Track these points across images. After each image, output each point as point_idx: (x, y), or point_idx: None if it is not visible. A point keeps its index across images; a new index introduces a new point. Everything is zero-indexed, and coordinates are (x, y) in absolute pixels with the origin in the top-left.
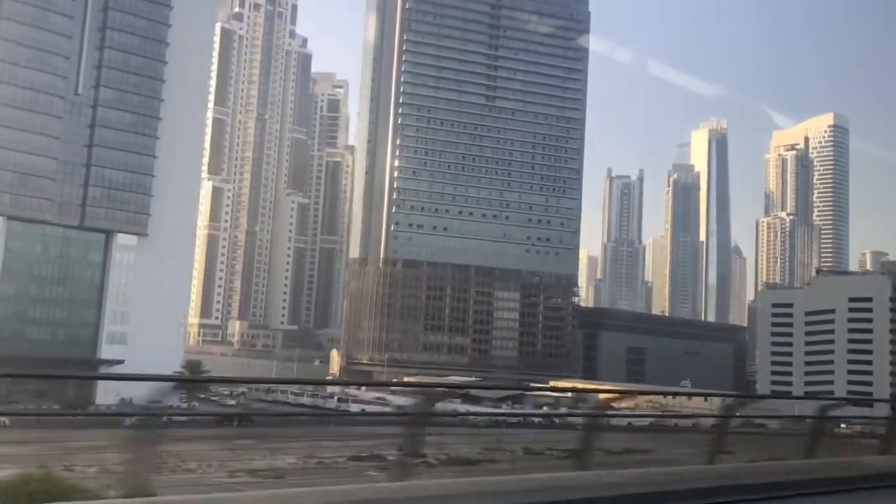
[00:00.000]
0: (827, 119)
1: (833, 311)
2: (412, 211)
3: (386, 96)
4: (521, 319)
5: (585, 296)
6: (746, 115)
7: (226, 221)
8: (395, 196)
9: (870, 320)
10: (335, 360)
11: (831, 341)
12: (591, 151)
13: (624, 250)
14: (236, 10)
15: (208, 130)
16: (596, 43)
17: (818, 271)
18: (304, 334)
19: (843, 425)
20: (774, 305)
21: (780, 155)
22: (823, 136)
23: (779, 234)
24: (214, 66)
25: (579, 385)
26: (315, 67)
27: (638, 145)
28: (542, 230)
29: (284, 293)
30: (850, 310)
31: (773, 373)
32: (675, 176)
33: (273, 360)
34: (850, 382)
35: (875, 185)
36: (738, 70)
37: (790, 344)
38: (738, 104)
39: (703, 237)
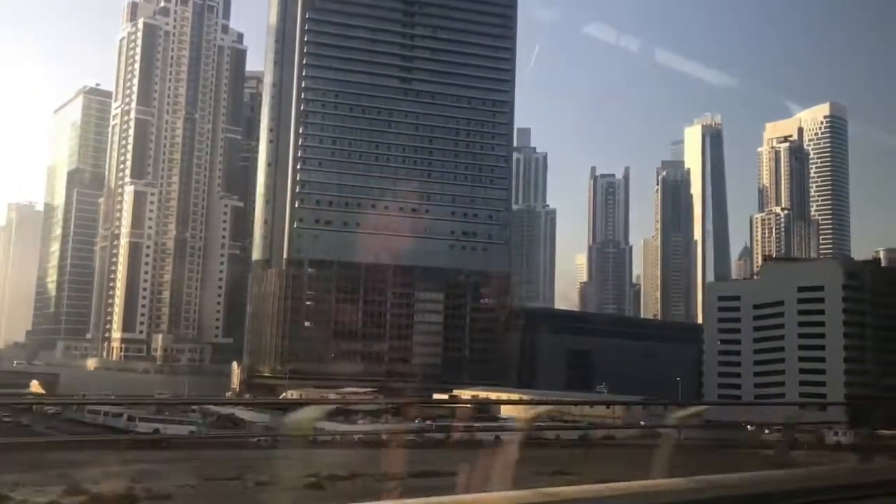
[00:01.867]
0: (823, 109)
1: (782, 302)
2: (318, 206)
3: (288, 81)
4: (446, 323)
5: (570, 299)
6: (743, 109)
7: (150, 228)
8: (298, 190)
9: (821, 312)
10: (235, 373)
11: (781, 337)
12: (579, 150)
13: (610, 252)
14: (162, 4)
15: (130, 132)
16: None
17: (766, 259)
18: (241, 347)
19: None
20: (721, 299)
21: (772, 147)
22: (820, 127)
23: (773, 230)
24: (136, 65)
25: (488, 395)
26: (253, 64)
27: (632, 144)
28: (468, 224)
29: (219, 304)
30: (800, 301)
31: (721, 374)
32: (665, 173)
33: (200, 375)
34: (803, 383)
35: (877, 176)
36: (735, 62)
37: (738, 342)
38: (734, 97)
39: (697, 236)
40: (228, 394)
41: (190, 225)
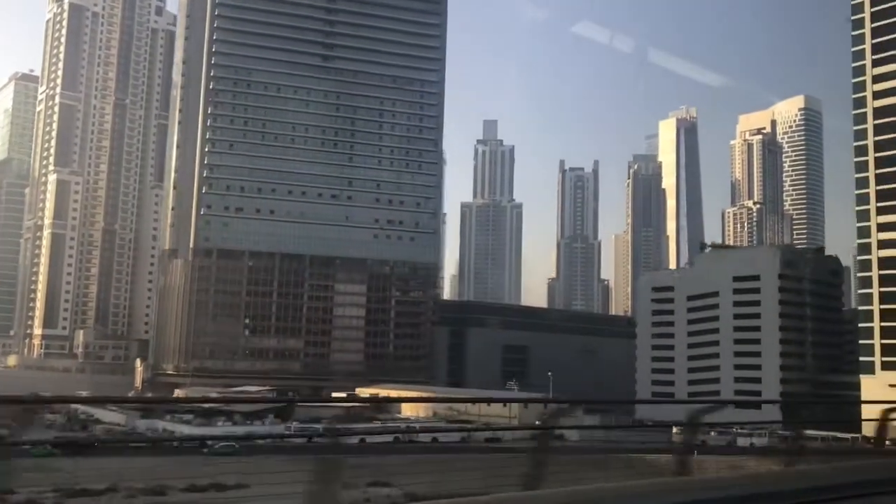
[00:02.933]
0: (797, 102)
1: (717, 293)
2: (229, 192)
3: (197, 58)
4: (368, 317)
5: (537, 295)
6: (720, 102)
7: (74, 219)
8: (206, 174)
9: (757, 303)
10: (138, 371)
11: (715, 330)
12: (553, 145)
13: (578, 247)
14: None
15: (55, 118)
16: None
17: (702, 246)
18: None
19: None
20: (654, 290)
21: (745, 140)
22: (794, 120)
23: (745, 224)
24: (62, 47)
25: (389, 393)
26: None
27: (608, 139)
28: (393, 212)
29: (149, 298)
30: (736, 291)
31: (655, 370)
32: (636, 167)
33: (124, 374)
34: (738, 380)
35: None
36: (713, 54)
37: (671, 335)
38: (711, 90)
39: (670, 231)
40: (131, 393)
41: (119, 216)
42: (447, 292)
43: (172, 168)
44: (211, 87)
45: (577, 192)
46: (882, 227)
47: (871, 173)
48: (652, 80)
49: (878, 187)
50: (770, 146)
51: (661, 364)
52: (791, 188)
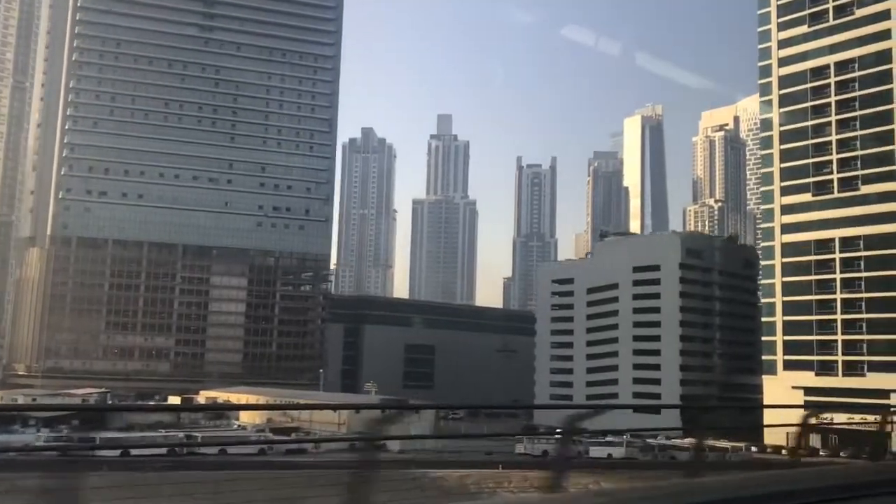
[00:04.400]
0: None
1: (616, 285)
2: (92, 173)
3: (62, 26)
4: (249, 313)
5: (493, 296)
6: (686, 99)
7: None
8: (66, 154)
9: (657, 295)
10: None
11: (614, 326)
12: (514, 143)
13: (534, 245)
14: None
15: None
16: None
17: (602, 234)
18: None
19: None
20: (554, 282)
21: (707, 137)
22: (758, 116)
23: (707, 222)
24: None
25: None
26: None
27: (574, 136)
28: (280, 198)
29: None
30: (635, 283)
31: (554, 371)
32: (596, 164)
33: None
34: (637, 381)
35: None
36: (679, 50)
37: (570, 332)
38: (677, 87)
39: (634, 230)
40: None
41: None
42: (400, 291)
43: (31, 148)
44: (74, 58)
45: (534, 190)
46: (785, 210)
47: (775, 149)
48: (618, 77)
49: (783, 164)
50: (733, 143)
51: (561, 364)
52: (755, 185)
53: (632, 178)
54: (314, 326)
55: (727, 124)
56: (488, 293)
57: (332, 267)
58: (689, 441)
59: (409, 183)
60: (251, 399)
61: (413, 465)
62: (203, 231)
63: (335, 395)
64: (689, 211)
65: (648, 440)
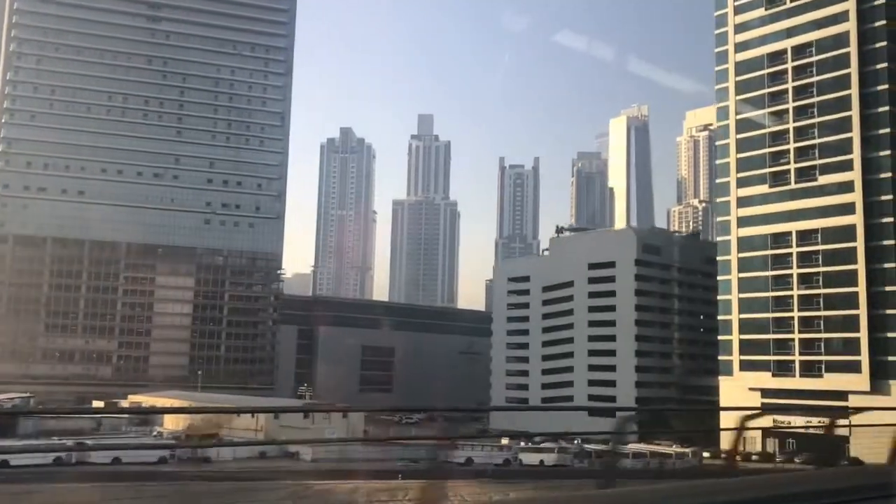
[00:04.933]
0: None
1: (571, 283)
2: (30, 169)
3: None
4: (196, 314)
5: (475, 298)
6: (672, 99)
7: None
8: (2, 149)
9: (612, 293)
10: None
11: (570, 325)
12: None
13: (516, 247)
14: None
15: None
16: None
17: (559, 229)
18: None
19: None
20: (511, 280)
21: (691, 136)
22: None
23: (691, 223)
24: None
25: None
26: None
27: (559, 138)
28: (229, 194)
29: None
30: (591, 280)
31: (510, 373)
32: (580, 165)
33: None
34: (593, 383)
35: None
36: (663, 51)
37: (526, 332)
38: (662, 88)
39: None
40: None
41: None
42: (380, 293)
43: None
44: (11, 49)
45: (517, 191)
46: (742, 202)
47: (731, 139)
48: (604, 78)
49: (739, 155)
50: (717, 143)
51: (517, 366)
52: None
53: (617, 178)
54: (265, 328)
55: (711, 124)
56: (470, 295)
57: (311, 268)
58: (634, 446)
59: (390, 184)
60: (175, 404)
61: (306, 475)
62: (148, 229)
63: (256, 400)
64: (674, 212)
65: (586, 445)
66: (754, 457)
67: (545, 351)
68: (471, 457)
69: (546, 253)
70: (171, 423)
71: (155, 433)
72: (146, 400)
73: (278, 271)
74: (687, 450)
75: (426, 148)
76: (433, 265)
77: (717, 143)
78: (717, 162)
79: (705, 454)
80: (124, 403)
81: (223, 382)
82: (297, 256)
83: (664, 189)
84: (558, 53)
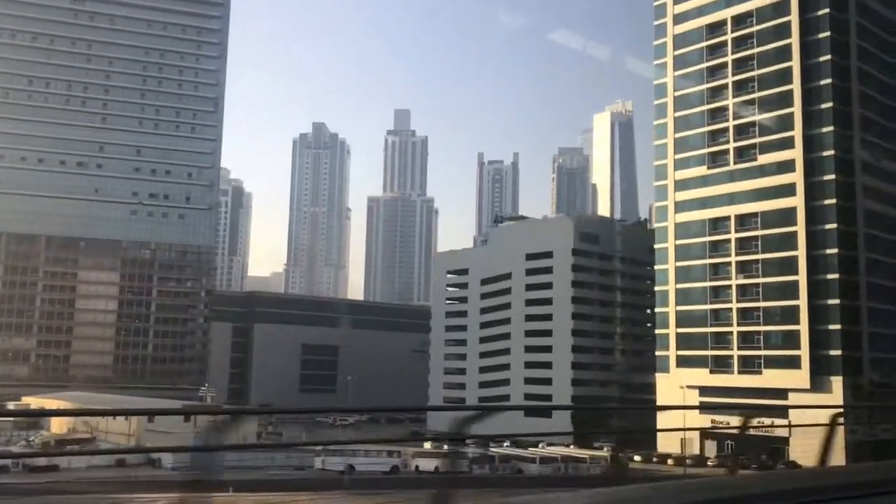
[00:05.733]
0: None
1: (509, 275)
2: None
3: None
4: (121, 311)
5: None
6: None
7: None
8: None
9: (549, 285)
10: None
11: (507, 320)
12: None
13: None
14: None
15: None
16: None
17: (498, 219)
18: None
19: None
20: (450, 273)
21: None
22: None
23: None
24: None
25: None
26: None
27: (543, 134)
28: (157, 184)
29: None
30: (528, 272)
31: (448, 371)
32: (561, 161)
33: None
34: (529, 381)
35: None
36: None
37: (464, 327)
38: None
39: None
40: None
41: None
42: (354, 292)
43: None
44: None
45: (496, 186)
46: (679, 185)
47: (669, 118)
48: (588, 73)
49: (677, 135)
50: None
51: (455, 363)
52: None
53: (601, 174)
54: (196, 326)
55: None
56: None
57: (283, 267)
58: (542, 450)
59: (366, 180)
60: (62, 405)
61: (137, 486)
62: (69, 221)
63: (142, 401)
64: (654, 207)
65: (492, 449)
66: (688, 461)
67: (483, 348)
68: (352, 464)
69: (485, 244)
70: (57, 427)
71: (32, 438)
72: (38, 402)
73: (210, 265)
74: (605, 453)
75: (402, 143)
76: (409, 263)
77: (655, 122)
78: (655, 143)
79: (637, 457)
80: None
81: (150, 383)
82: (273, 255)
83: (647, 184)
84: (541, 48)
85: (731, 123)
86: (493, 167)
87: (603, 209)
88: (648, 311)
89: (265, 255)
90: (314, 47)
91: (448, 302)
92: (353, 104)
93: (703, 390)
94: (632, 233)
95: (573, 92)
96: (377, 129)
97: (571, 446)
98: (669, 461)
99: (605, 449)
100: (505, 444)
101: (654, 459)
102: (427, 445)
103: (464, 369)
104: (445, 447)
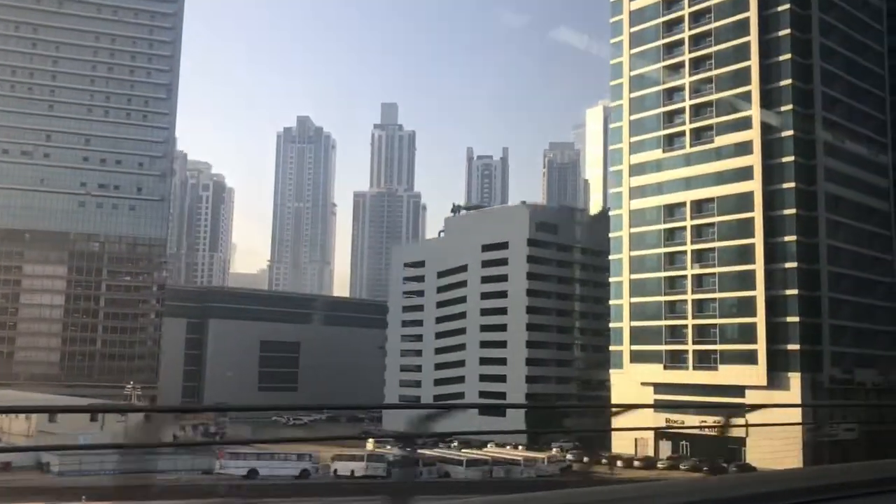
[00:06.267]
0: None
1: (465, 267)
2: None
3: None
4: (69, 306)
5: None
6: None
7: None
8: None
9: (504, 277)
10: None
11: (463, 314)
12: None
13: None
14: None
15: None
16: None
17: (455, 208)
18: None
19: None
20: (406, 266)
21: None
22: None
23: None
24: None
25: None
26: None
27: (536, 130)
28: (107, 174)
29: None
30: (484, 263)
31: (405, 368)
32: (552, 156)
33: None
34: (484, 377)
35: None
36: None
37: (420, 323)
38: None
39: None
40: None
41: None
42: (340, 289)
43: None
44: None
45: (485, 182)
46: (635, 170)
47: (625, 99)
48: (580, 67)
49: (632, 116)
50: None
51: (411, 359)
52: None
53: (594, 169)
54: (147, 321)
55: None
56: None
57: (266, 263)
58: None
59: (353, 175)
60: None
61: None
62: (13, 212)
63: (83, 400)
64: (610, 194)
65: (422, 451)
66: (636, 463)
67: (439, 343)
68: (255, 468)
69: (443, 234)
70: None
71: None
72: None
73: (162, 258)
74: (541, 455)
75: (389, 138)
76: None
77: (611, 104)
78: (611, 126)
79: (585, 458)
80: None
81: (98, 380)
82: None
83: None
84: (533, 42)
85: (687, 103)
86: (483, 162)
87: (595, 204)
88: (610, 303)
89: (249, 252)
90: (300, 40)
91: (405, 296)
92: (340, 98)
93: (658, 387)
94: (595, 222)
95: (566, 87)
96: (364, 124)
97: (520, 447)
98: (619, 463)
99: (556, 450)
100: (453, 445)
101: (604, 461)
102: (370, 445)
103: (420, 366)
104: (368, 448)
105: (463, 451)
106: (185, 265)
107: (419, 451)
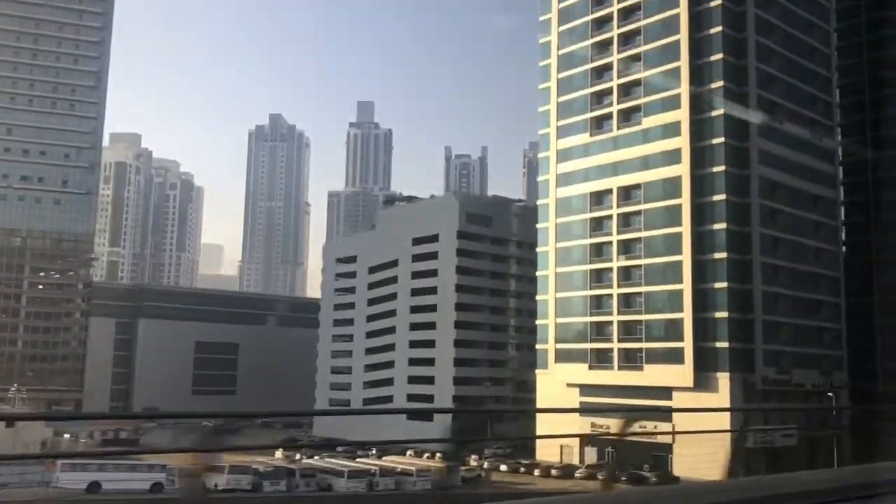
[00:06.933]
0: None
1: (396, 262)
2: None
3: None
4: None
5: None
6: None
7: None
8: None
9: (435, 272)
10: None
11: (393, 312)
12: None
13: None
14: None
15: None
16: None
17: (388, 200)
18: None
19: None
20: (339, 262)
21: None
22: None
23: None
24: None
25: None
26: None
27: (522, 129)
28: (30, 165)
29: None
30: (415, 257)
31: (335, 370)
32: (532, 155)
33: None
34: (413, 379)
35: None
36: None
37: (351, 321)
38: None
39: None
40: None
41: None
42: (313, 290)
43: None
44: None
45: (463, 182)
46: (562, 156)
47: (552, 80)
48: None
49: (560, 98)
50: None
51: (343, 361)
52: None
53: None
54: (72, 321)
55: None
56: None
57: (238, 264)
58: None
59: (328, 174)
60: None
61: None
62: None
63: None
64: (538, 182)
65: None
66: (554, 471)
67: (369, 343)
68: (98, 480)
69: (375, 229)
70: None
71: None
72: None
73: (89, 255)
74: (436, 464)
75: (365, 136)
76: None
77: (539, 86)
78: (539, 109)
79: (503, 467)
80: None
81: (20, 384)
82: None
83: None
84: (511, 40)
85: (615, 83)
86: (461, 161)
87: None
88: (537, 299)
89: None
90: (272, 36)
91: (337, 293)
92: (313, 96)
93: (584, 389)
94: (529, 213)
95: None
96: (339, 122)
97: (438, 455)
98: (536, 472)
99: (473, 458)
100: (372, 453)
101: (522, 470)
102: (278, 454)
103: (350, 367)
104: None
105: (358, 460)
106: (150, 265)
107: (304, 461)
